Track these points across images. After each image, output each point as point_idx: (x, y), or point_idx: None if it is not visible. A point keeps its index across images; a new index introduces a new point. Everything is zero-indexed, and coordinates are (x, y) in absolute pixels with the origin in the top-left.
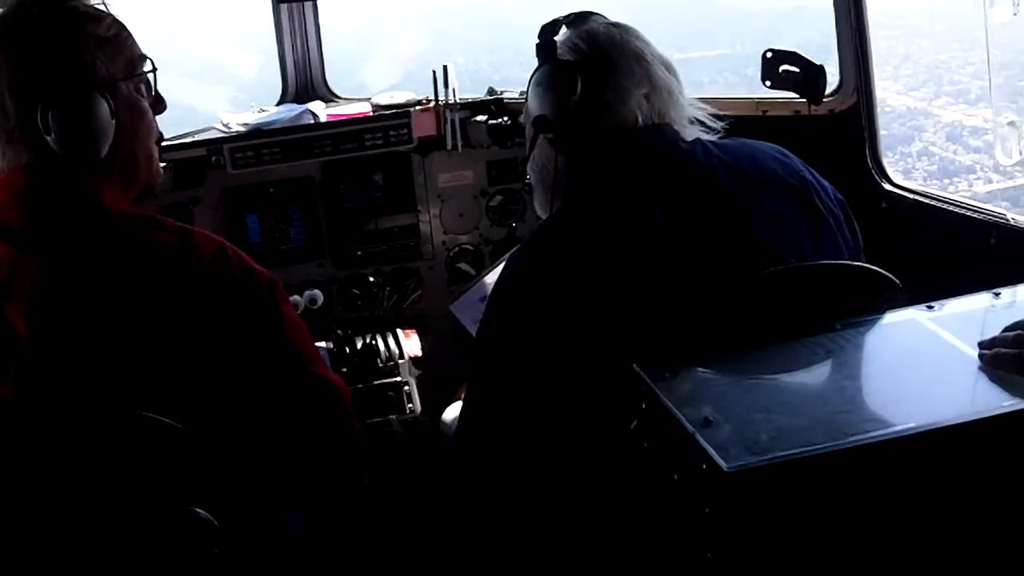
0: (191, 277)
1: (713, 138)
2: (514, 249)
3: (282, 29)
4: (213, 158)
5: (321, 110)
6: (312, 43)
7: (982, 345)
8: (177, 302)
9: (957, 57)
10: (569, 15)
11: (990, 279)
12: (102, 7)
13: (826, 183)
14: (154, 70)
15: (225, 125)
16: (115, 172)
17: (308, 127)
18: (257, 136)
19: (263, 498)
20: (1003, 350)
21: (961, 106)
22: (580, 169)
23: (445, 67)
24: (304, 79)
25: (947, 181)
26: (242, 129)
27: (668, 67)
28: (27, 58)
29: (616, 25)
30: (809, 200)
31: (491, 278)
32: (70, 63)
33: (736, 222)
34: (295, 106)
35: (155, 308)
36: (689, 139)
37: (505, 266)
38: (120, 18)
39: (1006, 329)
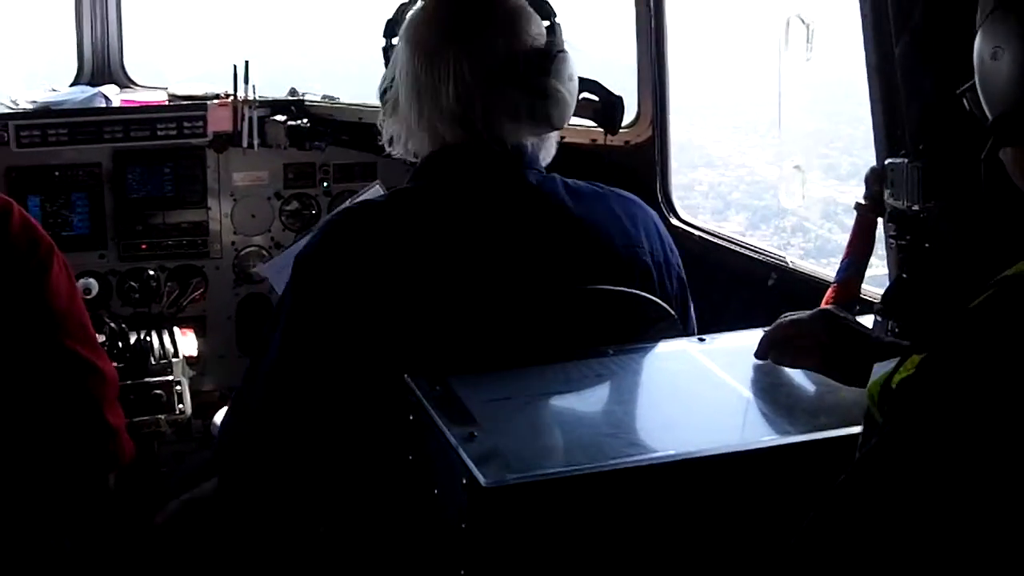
0: None
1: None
2: (328, 216)
3: (82, 6)
4: None
5: (115, 95)
6: (112, 24)
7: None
8: None
9: (826, 130)
10: None
11: (767, 318)
12: None
13: (673, 260)
14: None
15: (13, 102)
16: None
17: (99, 111)
18: (45, 116)
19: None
20: (782, 318)
21: (832, 181)
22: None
23: (246, 62)
24: (101, 61)
25: (824, 261)
26: (30, 107)
27: None
28: None
29: None
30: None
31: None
32: None
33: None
34: (88, 88)
35: None
36: (539, 165)
37: (312, 235)
38: None
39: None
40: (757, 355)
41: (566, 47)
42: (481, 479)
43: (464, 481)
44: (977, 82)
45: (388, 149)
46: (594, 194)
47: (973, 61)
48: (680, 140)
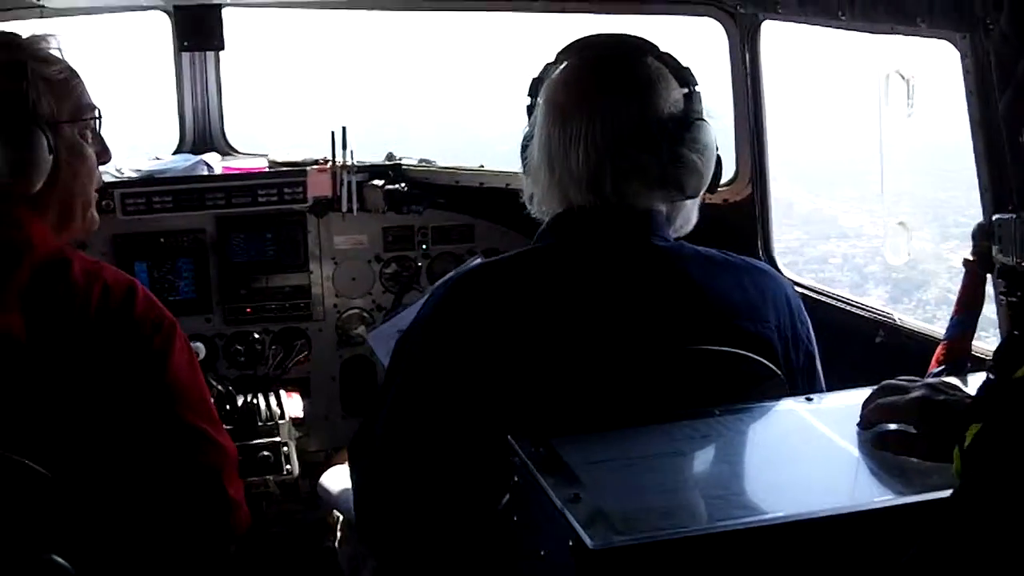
0: (92, 313)
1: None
2: (437, 284)
3: (183, 78)
4: (103, 202)
5: (217, 162)
6: (212, 94)
7: (862, 426)
8: (71, 337)
9: (958, 197)
10: None
11: (876, 375)
12: (57, 52)
13: (802, 333)
14: (99, 117)
15: (118, 170)
16: (50, 211)
17: (201, 178)
18: (149, 183)
19: (124, 552)
20: (880, 401)
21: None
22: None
23: (344, 128)
24: (202, 130)
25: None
26: (134, 175)
27: None
28: None
29: None
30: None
31: (412, 311)
32: (15, 98)
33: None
34: (190, 156)
35: (48, 341)
36: (666, 232)
37: (423, 304)
38: (74, 67)
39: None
40: (859, 426)
41: (705, 115)
42: (588, 541)
43: (571, 543)
44: None
45: (529, 207)
46: (724, 263)
47: None
48: (807, 211)
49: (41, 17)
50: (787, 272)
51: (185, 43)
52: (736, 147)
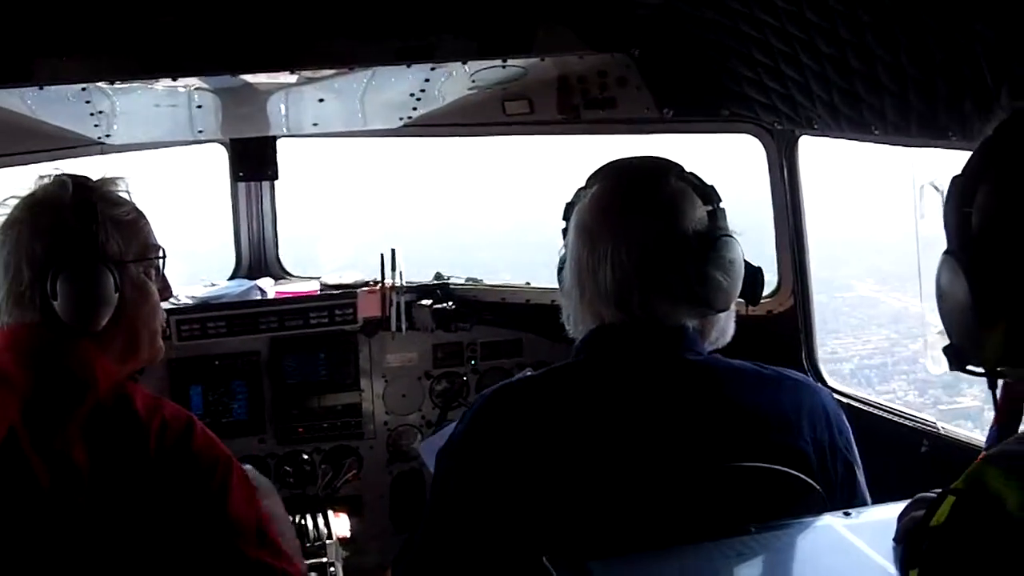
0: (152, 449)
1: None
2: (476, 398)
3: (239, 206)
4: None
5: (270, 287)
6: (267, 221)
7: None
8: (132, 472)
9: None
10: None
11: (919, 487)
12: (125, 194)
13: (840, 444)
14: (164, 257)
15: (174, 297)
16: (116, 346)
17: (255, 303)
18: (204, 309)
19: None
20: (914, 515)
21: None
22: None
23: (393, 251)
24: (257, 255)
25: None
26: (189, 302)
27: None
28: (47, 230)
29: None
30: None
31: None
32: (84, 238)
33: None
34: (244, 281)
35: (109, 476)
36: (699, 346)
37: (462, 417)
38: (141, 208)
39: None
40: (895, 540)
41: (729, 232)
42: None
43: None
44: None
45: (567, 328)
46: (756, 375)
47: None
48: (895, 310)
49: (102, 154)
50: (831, 382)
51: (241, 173)
52: (777, 259)
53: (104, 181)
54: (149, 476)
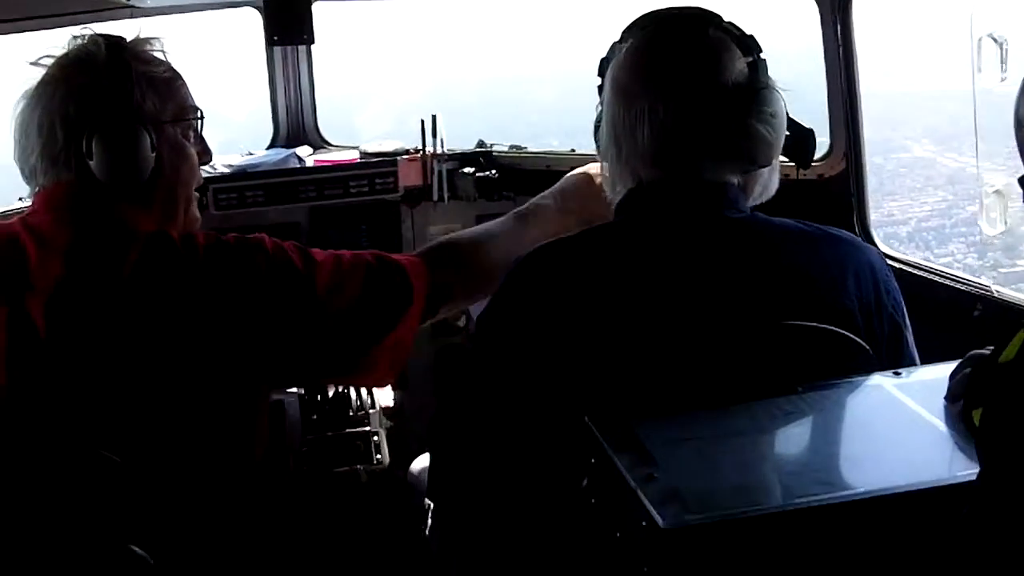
0: (200, 257)
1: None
2: (513, 260)
3: (275, 72)
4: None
5: (308, 155)
6: (305, 88)
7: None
8: (187, 294)
9: None
10: None
11: (972, 349)
12: (160, 54)
13: (887, 302)
14: (201, 118)
15: (211, 166)
16: (155, 208)
17: (292, 171)
18: (241, 178)
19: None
20: (966, 372)
21: None
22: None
23: (434, 117)
24: (296, 124)
25: None
26: (226, 171)
27: None
28: (80, 90)
29: None
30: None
31: None
32: (119, 97)
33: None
34: (281, 150)
35: (168, 312)
36: (741, 203)
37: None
38: (176, 68)
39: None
40: (947, 399)
41: (771, 84)
42: (660, 520)
43: (644, 523)
44: None
45: (605, 190)
46: (799, 233)
47: None
48: (950, 171)
49: (132, 17)
50: (883, 247)
51: (275, 38)
52: (830, 122)
53: (138, 40)
54: (204, 284)
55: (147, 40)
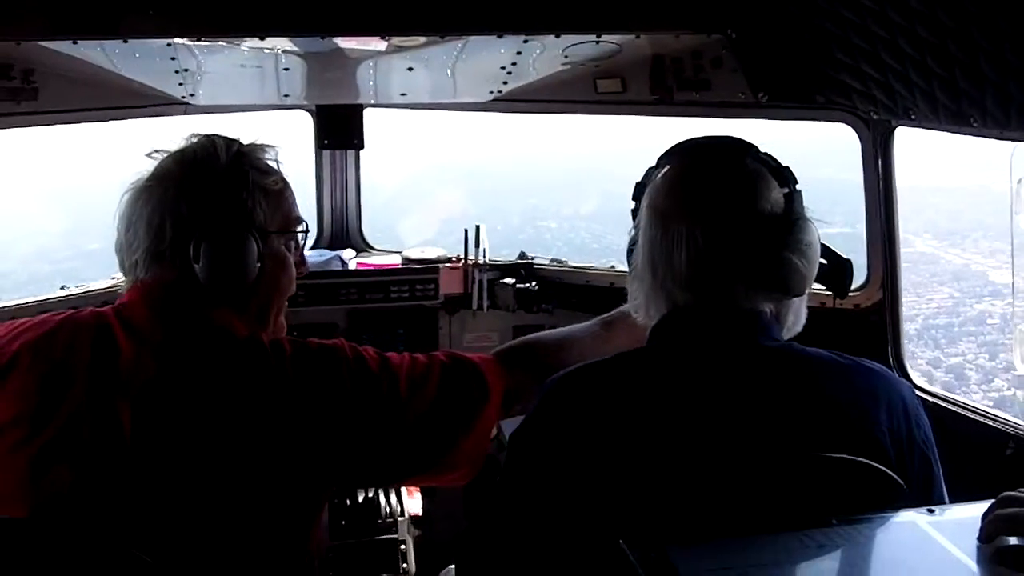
0: (288, 369)
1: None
2: (549, 379)
3: (322, 174)
4: None
5: (351, 258)
6: (351, 191)
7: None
8: (276, 398)
9: None
10: None
11: (1002, 489)
12: (274, 163)
13: (918, 436)
14: (306, 232)
15: None
16: (249, 314)
17: (336, 273)
18: None
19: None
20: (999, 512)
21: None
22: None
23: (477, 227)
24: (340, 226)
25: None
26: None
27: None
28: (196, 191)
29: None
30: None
31: None
32: (234, 204)
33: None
34: (326, 251)
35: (255, 413)
36: (775, 332)
37: (536, 395)
38: (287, 179)
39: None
40: (980, 539)
41: (806, 215)
42: None
43: None
44: None
45: (634, 315)
46: (833, 364)
47: None
48: (956, 268)
49: (186, 114)
50: (918, 380)
51: (326, 141)
52: (868, 252)
53: (255, 147)
54: (292, 393)
55: (263, 147)
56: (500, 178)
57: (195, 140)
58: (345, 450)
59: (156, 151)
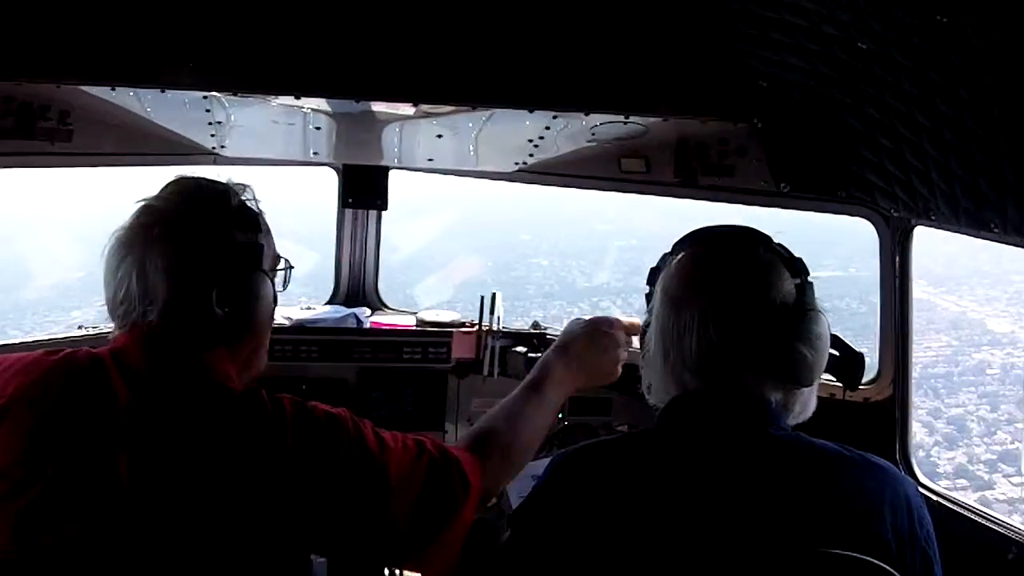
0: (288, 433)
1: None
2: (560, 452)
3: (343, 232)
4: None
5: (366, 317)
6: (370, 250)
7: None
8: (274, 456)
9: None
10: None
11: None
12: (254, 204)
13: (920, 534)
14: (291, 268)
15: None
16: (243, 354)
17: (351, 331)
18: (299, 332)
19: None
20: None
21: None
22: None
23: (494, 295)
24: (357, 284)
25: None
26: (286, 323)
27: None
28: (206, 233)
29: None
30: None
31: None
32: (249, 248)
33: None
34: (342, 308)
35: (252, 465)
36: (783, 420)
37: (545, 470)
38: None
39: None
40: None
41: (817, 306)
42: None
43: None
44: None
45: (647, 397)
46: (840, 457)
47: None
48: (952, 316)
49: (215, 164)
50: (922, 478)
51: (350, 200)
52: (880, 347)
53: (239, 187)
54: (289, 457)
55: (244, 187)
56: (521, 243)
57: (189, 182)
58: (329, 523)
59: (155, 197)
